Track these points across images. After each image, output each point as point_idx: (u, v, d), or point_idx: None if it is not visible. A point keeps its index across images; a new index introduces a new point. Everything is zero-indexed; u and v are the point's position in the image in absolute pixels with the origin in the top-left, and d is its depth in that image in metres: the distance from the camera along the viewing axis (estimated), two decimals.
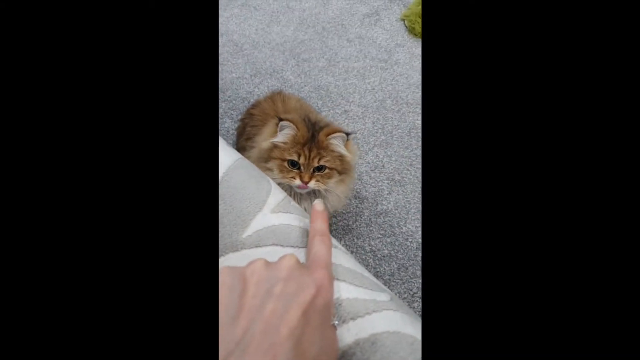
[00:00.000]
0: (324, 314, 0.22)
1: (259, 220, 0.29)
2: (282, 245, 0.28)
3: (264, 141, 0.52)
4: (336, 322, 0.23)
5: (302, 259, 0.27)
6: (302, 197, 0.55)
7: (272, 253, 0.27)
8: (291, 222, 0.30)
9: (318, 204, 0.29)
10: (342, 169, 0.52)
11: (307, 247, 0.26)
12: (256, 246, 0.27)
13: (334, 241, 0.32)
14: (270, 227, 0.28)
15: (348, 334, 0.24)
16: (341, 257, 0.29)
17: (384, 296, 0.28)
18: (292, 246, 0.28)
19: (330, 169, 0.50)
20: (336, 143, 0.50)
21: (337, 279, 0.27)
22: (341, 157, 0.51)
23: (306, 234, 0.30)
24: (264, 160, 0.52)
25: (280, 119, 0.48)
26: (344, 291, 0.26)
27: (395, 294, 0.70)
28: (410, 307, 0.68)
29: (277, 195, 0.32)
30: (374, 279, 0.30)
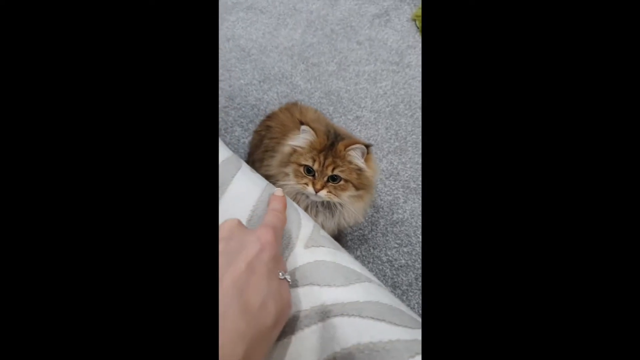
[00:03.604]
0: (269, 266, 0.22)
1: (293, 258, 0.28)
2: (319, 285, 0.27)
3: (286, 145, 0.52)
4: (287, 276, 0.24)
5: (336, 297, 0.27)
6: (318, 211, 0.55)
7: (309, 293, 0.26)
8: (325, 258, 0.29)
9: (278, 190, 0.31)
10: (359, 183, 0.51)
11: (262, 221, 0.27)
12: (293, 287, 0.27)
13: (369, 274, 0.31)
14: (306, 264, 0.28)
15: None
16: (378, 293, 0.28)
17: None
18: (329, 285, 0.27)
19: (346, 180, 0.49)
20: (354, 155, 0.49)
21: (378, 319, 0.26)
22: (359, 171, 0.50)
23: (339, 268, 0.29)
24: (283, 165, 0.52)
25: (302, 123, 0.48)
26: (387, 333, 0.25)
27: (414, 305, 0.70)
28: None
29: (307, 226, 0.31)
30: (411, 313, 0.29)
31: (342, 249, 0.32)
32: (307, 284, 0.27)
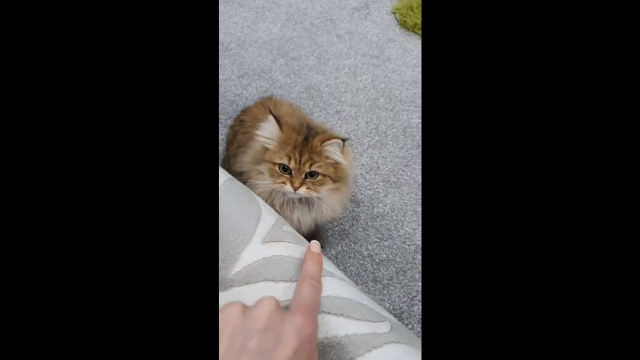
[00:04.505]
0: None
1: (248, 253, 0.27)
2: (274, 281, 0.26)
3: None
4: None
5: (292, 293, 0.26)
6: (295, 207, 0.54)
7: (263, 289, 0.26)
8: (282, 253, 0.28)
9: (314, 245, 0.28)
10: (336, 176, 0.50)
11: (296, 290, 0.24)
12: (246, 283, 0.26)
13: (331, 267, 0.30)
14: (261, 260, 0.27)
15: None
16: (339, 287, 0.28)
17: (384, 327, 0.26)
18: (284, 280, 0.26)
19: (323, 175, 0.49)
20: (332, 150, 0.48)
21: (335, 314, 0.25)
22: (335, 164, 0.49)
23: (298, 263, 0.28)
24: (256, 163, 0.50)
25: (271, 113, 0.47)
26: (343, 327, 0.24)
27: (395, 298, 0.70)
28: (410, 311, 0.68)
29: (267, 221, 0.30)
30: (374, 306, 0.29)
31: (307, 243, 0.31)
32: (261, 280, 0.26)
